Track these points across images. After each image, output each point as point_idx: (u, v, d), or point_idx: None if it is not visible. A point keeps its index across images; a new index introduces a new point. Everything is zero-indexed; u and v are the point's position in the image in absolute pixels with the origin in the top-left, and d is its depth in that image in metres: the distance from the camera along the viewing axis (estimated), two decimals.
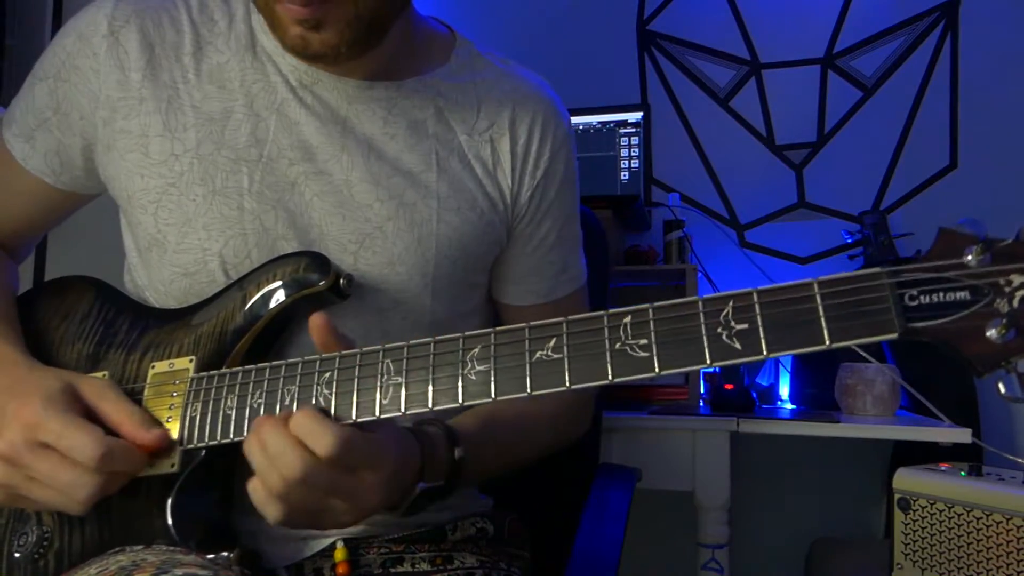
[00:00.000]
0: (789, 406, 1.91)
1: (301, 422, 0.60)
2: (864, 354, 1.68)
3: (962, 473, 1.39)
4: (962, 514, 1.33)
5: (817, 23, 2.28)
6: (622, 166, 2.16)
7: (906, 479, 1.42)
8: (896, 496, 1.42)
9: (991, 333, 0.48)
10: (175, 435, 0.70)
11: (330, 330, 0.65)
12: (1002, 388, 0.49)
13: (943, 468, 1.43)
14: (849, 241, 2.11)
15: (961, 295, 0.49)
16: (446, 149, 0.83)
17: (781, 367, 2.01)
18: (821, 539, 2.04)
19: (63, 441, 0.65)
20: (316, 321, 0.65)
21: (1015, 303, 0.48)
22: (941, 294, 0.49)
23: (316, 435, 0.59)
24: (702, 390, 1.88)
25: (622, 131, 2.18)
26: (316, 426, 0.59)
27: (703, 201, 2.32)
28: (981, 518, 1.31)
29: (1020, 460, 1.48)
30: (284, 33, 0.72)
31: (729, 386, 1.75)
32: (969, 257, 0.49)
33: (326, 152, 0.79)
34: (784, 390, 1.98)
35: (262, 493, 0.61)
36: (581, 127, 2.19)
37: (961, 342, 0.49)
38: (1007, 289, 0.48)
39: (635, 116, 2.18)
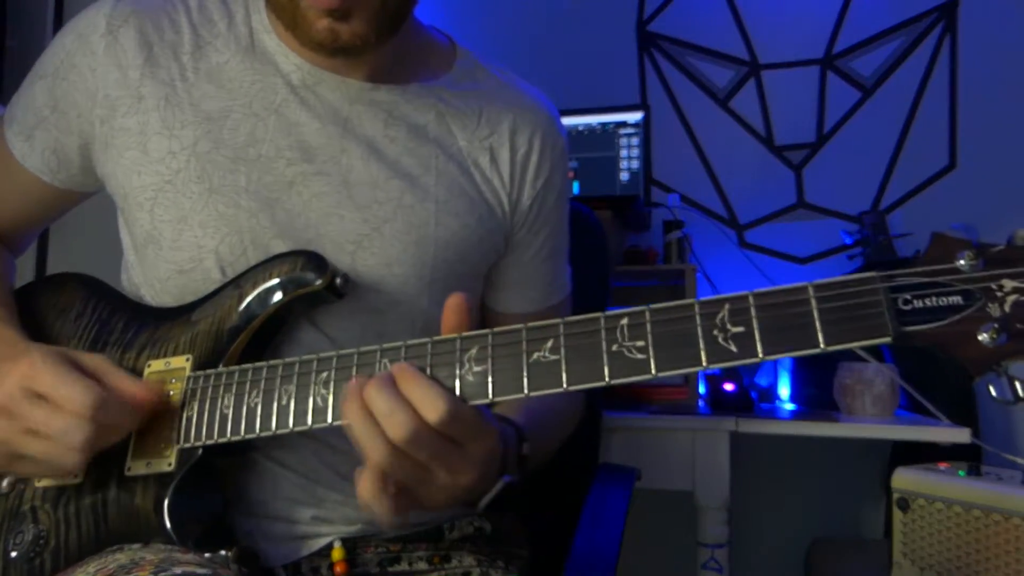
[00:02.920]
0: (788, 406, 1.91)
1: (412, 384, 0.58)
2: (863, 354, 1.68)
3: (961, 473, 1.39)
4: (961, 514, 1.33)
5: (816, 23, 2.29)
6: (622, 166, 2.16)
7: (905, 479, 1.42)
8: (895, 496, 1.42)
9: (983, 337, 0.49)
10: (171, 433, 0.70)
11: (467, 313, 0.63)
12: (993, 391, 0.50)
13: (942, 468, 1.43)
14: (848, 241, 2.11)
15: (954, 299, 0.50)
16: (446, 154, 0.83)
17: (780, 367, 2.01)
18: (821, 539, 2.04)
19: (58, 391, 0.65)
20: (454, 301, 0.63)
21: (1007, 307, 0.49)
22: (934, 298, 0.50)
23: (429, 399, 0.57)
24: (702, 390, 1.88)
25: (622, 131, 2.17)
26: (429, 390, 0.58)
27: (703, 201, 2.32)
28: (980, 517, 1.31)
29: (1019, 460, 1.48)
30: (310, 27, 0.72)
31: (728, 386, 1.75)
32: (962, 262, 0.50)
33: (325, 153, 0.79)
34: (783, 390, 1.98)
35: (372, 486, 0.59)
36: (581, 127, 2.19)
37: (954, 346, 0.50)
38: (999, 294, 0.49)
39: (635, 116, 2.18)
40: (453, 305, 0.63)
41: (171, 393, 0.72)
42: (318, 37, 0.72)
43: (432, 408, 0.57)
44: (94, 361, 0.71)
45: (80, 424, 0.65)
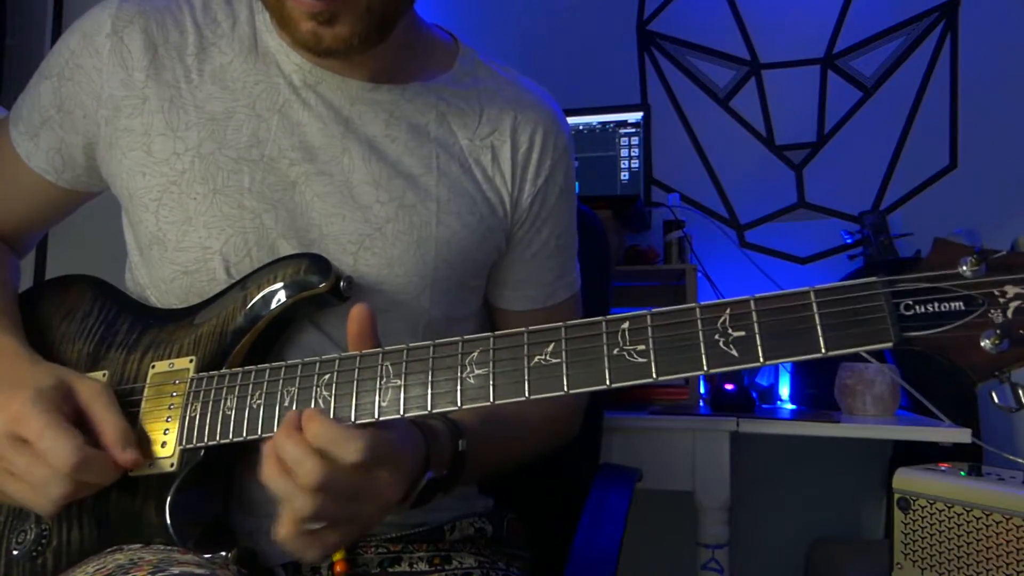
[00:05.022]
0: (789, 406, 1.91)
1: (319, 432, 0.59)
2: (864, 354, 1.68)
3: (962, 473, 1.39)
4: (962, 514, 1.33)
5: (817, 23, 2.29)
6: (622, 166, 2.16)
7: (906, 479, 1.42)
8: (896, 496, 1.42)
9: (985, 343, 0.48)
10: (174, 435, 0.71)
11: (368, 325, 0.65)
12: (995, 398, 0.49)
13: (943, 468, 1.43)
14: (849, 241, 2.11)
15: (956, 305, 0.50)
16: (447, 153, 0.83)
17: (781, 368, 2.01)
18: (821, 539, 2.04)
19: (42, 442, 0.65)
20: (357, 312, 0.65)
21: (1009, 314, 0.48)
22: (936, 304, 0.50)
23: (341, 443, 0.58)
24: (702, 390, 1.88)
25: (622, 131, 2.18)
26: (338, 434, 0.59)
27: (703, 201, 2.32)
28: (981, 518, 1.31)
29: (1020, 460, 1.48)
30: (295, 29, 0.72)
31: (729, 386, 1.75)
32: (964, 268, 0.50)
33: (327, 153, 0.79)
34: (784, 390, 1.98)
35: (291, 530, 0.60)
36: (581, 127, 2.19)
37: (955, 352, 0.50)
38: (1001, 300, 0.49)
39: (635, 116, 2.18)
40: (355, 315, 0.65)
41: (174, 395, 0.72)
42: (301, 39, 0.72)
43: (347, 450, 0.58)
44: (90, 394, 0.70)
45: (58, 479, 0.65)
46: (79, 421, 0.69)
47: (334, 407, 0.64)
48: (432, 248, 0.80)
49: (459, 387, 0.60)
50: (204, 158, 0.77)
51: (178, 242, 0.77)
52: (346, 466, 0.58)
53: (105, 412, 0.70)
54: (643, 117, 2.18)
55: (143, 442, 0.71)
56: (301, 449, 0.59)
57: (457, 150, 0.84)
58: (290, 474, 0.59)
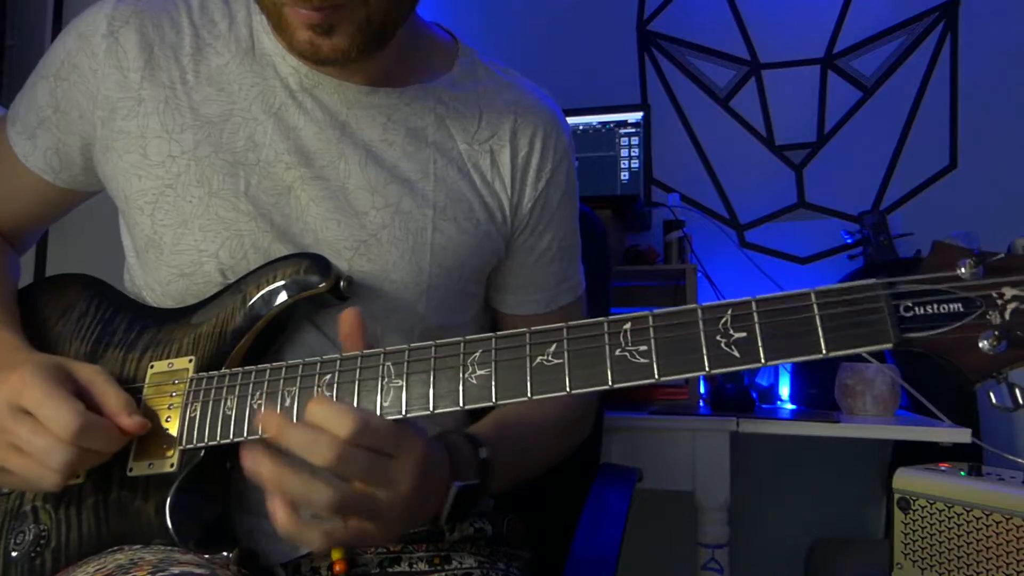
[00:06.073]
0: (789, 406, 1.91)
1: (314, 410, 0.59)
2: (864, 354, 1.68)
3: (962, 473, 1.39)
4: (962, 514, 1.33)
5: (817, 23, 2.29)
6: (622, 166, 2.16)
7: (906, 479, 1.42)
8: (896, 496, 1.42)
9: (983, 344, 0.49)
10: (174, 434, 0.71)
11: (360, 325, 0.65)
12: (993, 398, 0.50)
13: (943, 468, 1.43)
14: (849, 241, 2.11)
15: (955, 307, 0.51)
16: (445, 158, 0.83)
17: (781, 368, 2.01)
18: (821, 539, 2.04)
19: (42, 409, 0.65)
20: (347, 314, 0.65)
21: (1007, 315, 0.49)
22: (935, 306, 0.51)
23: (332, 416, 0.58)
24: (702, 390, 1.88)
25: (622, 131, 2.17)
26: (331, 408, 0.58)
27: (703, 201, 2.32)
28: (981, 518, 1.31)
29: (1020, 460, 1.48)
30: (292, 36, 0.71)
31: (729, 386, 1.75)
32: (963, 270, 0.51)
33: (324, 158, 0.79)
34: (784, 390, 1.98)
35: (289, 515, 0.59)
36: (581, 127, 2.19)
37: (954, 352, 0.50)
38: (999, 302, 0.50)
39: (635, 116, 2.18)
40: (345, 316, 0.65)
41: (173, 395, 0.72)
42: (299, 48, 0.71)
43: (341, 424, 0.57)
44: (89, 373, 0.70)
45: (61, 447, 0.65)
46: (81, 398, 0.68)
47: None
48: (428, 255, 0.80)
49: (461, 387, 0.60)
50: (200, 161, 0.77)
51: (174, 245, 0.77)
52: (347, 441, 0.57)
53: (106, 386, 0.70)
54: (643, 117, 2.18)
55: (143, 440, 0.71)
56: (306, 432, 0.58)
57: (455, 154, 0.84)
58: (309, 475, 0.58)
